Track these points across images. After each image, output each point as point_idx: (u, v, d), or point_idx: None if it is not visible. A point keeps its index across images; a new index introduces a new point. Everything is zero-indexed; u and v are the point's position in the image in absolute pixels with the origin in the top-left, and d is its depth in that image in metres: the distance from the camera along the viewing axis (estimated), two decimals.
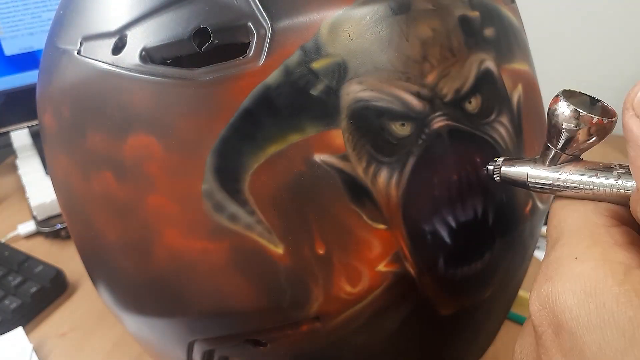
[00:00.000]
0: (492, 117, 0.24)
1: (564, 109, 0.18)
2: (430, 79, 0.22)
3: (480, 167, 0.23)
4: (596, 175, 0.18)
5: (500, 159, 0.22)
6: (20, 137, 0.70)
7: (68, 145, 0.26)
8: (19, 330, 0.43)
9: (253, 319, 0.24)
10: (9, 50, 0.61)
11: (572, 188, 0.19)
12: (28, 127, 0.69)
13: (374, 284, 0.23)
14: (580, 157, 0.19)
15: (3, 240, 0.55)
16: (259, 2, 0.22)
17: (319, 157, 0.22)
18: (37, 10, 0.61)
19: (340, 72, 0.21)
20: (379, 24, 0.22)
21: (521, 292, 0.43)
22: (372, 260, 0.23)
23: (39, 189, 0.57)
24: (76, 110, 0.25)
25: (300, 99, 0.21)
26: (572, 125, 0.18)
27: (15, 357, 0.41)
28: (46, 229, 0.55)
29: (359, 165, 0.22)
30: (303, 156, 0.21)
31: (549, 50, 0.74)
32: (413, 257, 0.23)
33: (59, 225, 0.55)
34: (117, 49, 0.23)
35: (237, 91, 0.21)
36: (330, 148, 0.22)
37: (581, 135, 0.18)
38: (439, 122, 0.22)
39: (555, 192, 0.20)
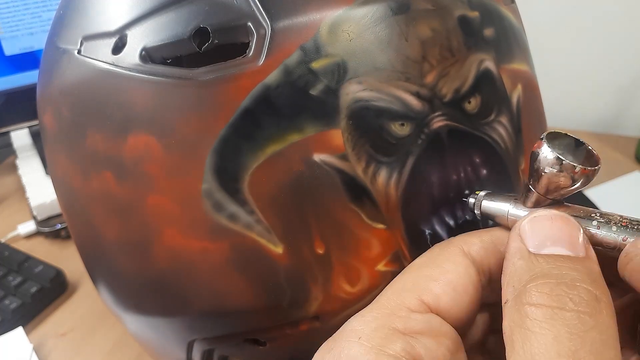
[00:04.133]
0: (492, 117, 0.24)
1: (547, 154, 0.17)
2: (430, 79, 0.22)
3: (466, 198, 0.22)
4: None
5: (482, 193, 0.21)
6: (20, 137, 0.70)
7: (68, 145, 0.26)
8: (19, 330, 0.43)
9: (252, 318, 0.24)
10: (9, 50, 0.61)
11: None
12: (28, 127, 0.69)
13: (373, 283, 0.23)
14: (562, 201, 0.19)
15: (3, 240, 0.55)
16: (259, 2, 0.22)
17: (318, 157, 0.22)
18: (37, 10, 0.61)
19: (340, 72, 0.21)
20: (379, 24, 0.22)
21: None
22: (371, 260, 0.23)
23: (39, 189, 0.57)
24: (76, 110, 0.25)
25: (300, 99, 0.21)
26: (555, 171, 0.17)
27: (15, 357, 0.41)
28: (46, 229, 0.55)
29: (359, 165, 0.22)
30: (302, 156, 0.21)
31: (549, 50, 0.74)
32: (412, 257, 0.23)
33: (59, 225, 0.55)
34: (117, 48, 0.23)
35: (237, 91, 0.21)
36: (330, 148, 0.22)
37: (563, 181, 0.17)
38: (438, 122, 0.23)
39: None
